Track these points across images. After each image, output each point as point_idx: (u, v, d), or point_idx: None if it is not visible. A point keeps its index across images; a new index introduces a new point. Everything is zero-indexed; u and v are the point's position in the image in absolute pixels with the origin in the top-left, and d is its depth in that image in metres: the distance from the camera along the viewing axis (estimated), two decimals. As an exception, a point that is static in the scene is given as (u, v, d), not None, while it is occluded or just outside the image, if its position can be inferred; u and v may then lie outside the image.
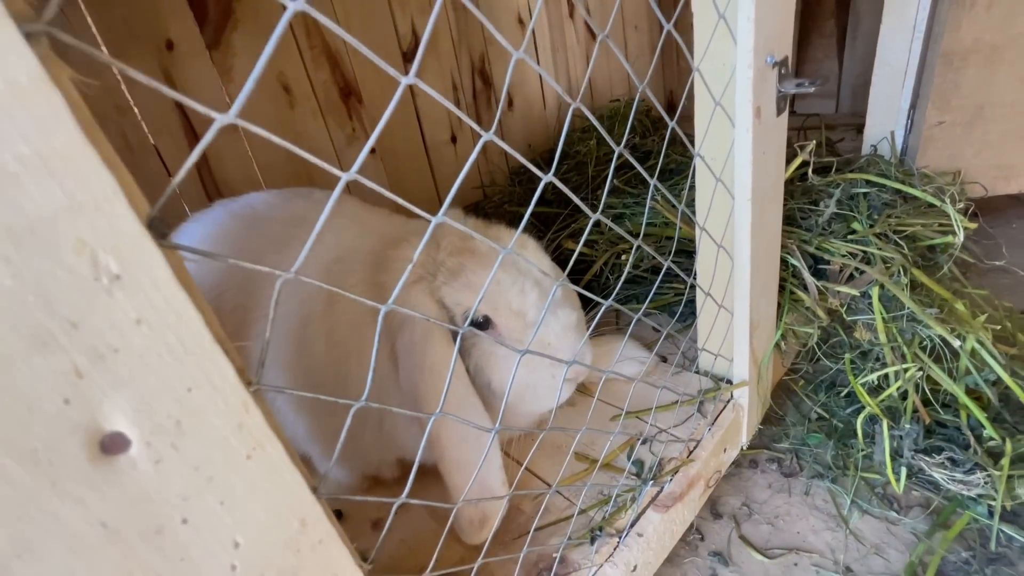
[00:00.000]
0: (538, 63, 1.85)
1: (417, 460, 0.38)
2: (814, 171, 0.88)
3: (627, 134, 0.49)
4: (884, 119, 1.05)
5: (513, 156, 0.39)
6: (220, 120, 0.21)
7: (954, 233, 0.85)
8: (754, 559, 0.77)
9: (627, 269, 0.49)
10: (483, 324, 0.56)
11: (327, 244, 0.62)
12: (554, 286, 0.42)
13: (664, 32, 0.41)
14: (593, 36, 2.02)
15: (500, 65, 1.72)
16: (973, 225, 0.86)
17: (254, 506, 0.25)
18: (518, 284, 0.55)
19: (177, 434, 0.22)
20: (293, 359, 0.56)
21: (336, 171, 0.26)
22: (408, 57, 1.50)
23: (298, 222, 0.67)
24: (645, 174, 0.45)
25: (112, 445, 0.20)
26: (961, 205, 0.87)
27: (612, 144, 0.39)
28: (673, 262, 0.57)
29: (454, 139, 1.64)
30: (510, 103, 1.79)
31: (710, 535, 0.83)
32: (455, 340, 0.57)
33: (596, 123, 0.38)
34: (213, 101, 1.21)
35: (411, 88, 1.52)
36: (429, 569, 0.41)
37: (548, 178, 0.35)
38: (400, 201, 0.29)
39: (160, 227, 0.21)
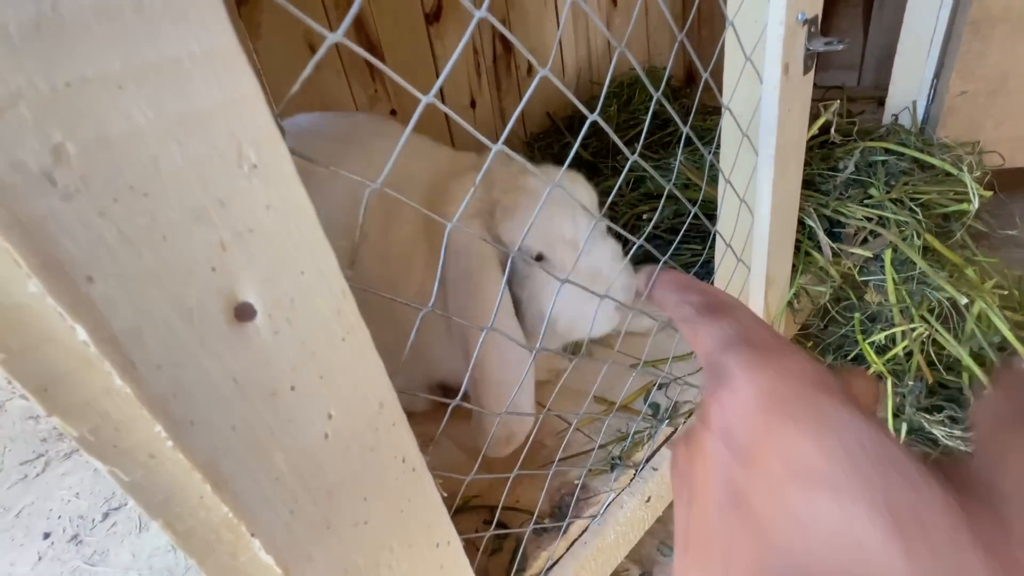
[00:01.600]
0: (559, 28, 1.84)
1: (467, 377, 0.42)
2: (835, 138, 0.90)
3: (651, 101, 0.51)
4: (907, 88, 1.06)
5: (531, 121, 0.42)
6: (332, 38, 0.24)
7: (969, 201, 0.87)
8: (757, 503, 0.82)
9: (654, 221, 0.52)
10: (538, 259, 0.60)
11: (379, 167, 0.65)
12: (596, 220, 0.46)
13: (677, 41, 0.44)
14: (615, 3, 1.99)
15: (521, 29, 1.71)
16: (988, 194, 0.88)
17: (345, 383, 0.29)
18: (569, 217, 0.58)
19: (291, 310, 0.26)
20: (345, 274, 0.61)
21: (417, 92, 0.29)
22: (431, 19, 1.50)
23: (348, 139, 0.70)
24: (681, 123, 0.47)
25: (243, 313, 0.24)
26: (978, 174, 0.89)
27: (652, 91, 0.42)
28: (692, 225, 0.60)
29: (473, 104, 1.65)
30: (528, 69, 1.79)
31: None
32: (505, 265, 0.61)
33: (640, 70, 0.41)
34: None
35: (432, 48, 1.53)
36: (471, 475, 0.46)
37: (593, 117, 0.38)
38: (467, 127, 0.32)
39: (282, 129, 0.24)
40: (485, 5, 0.31)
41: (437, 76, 1.56)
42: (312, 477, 0.29)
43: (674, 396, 0.70)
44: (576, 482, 0.60)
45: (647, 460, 0.65)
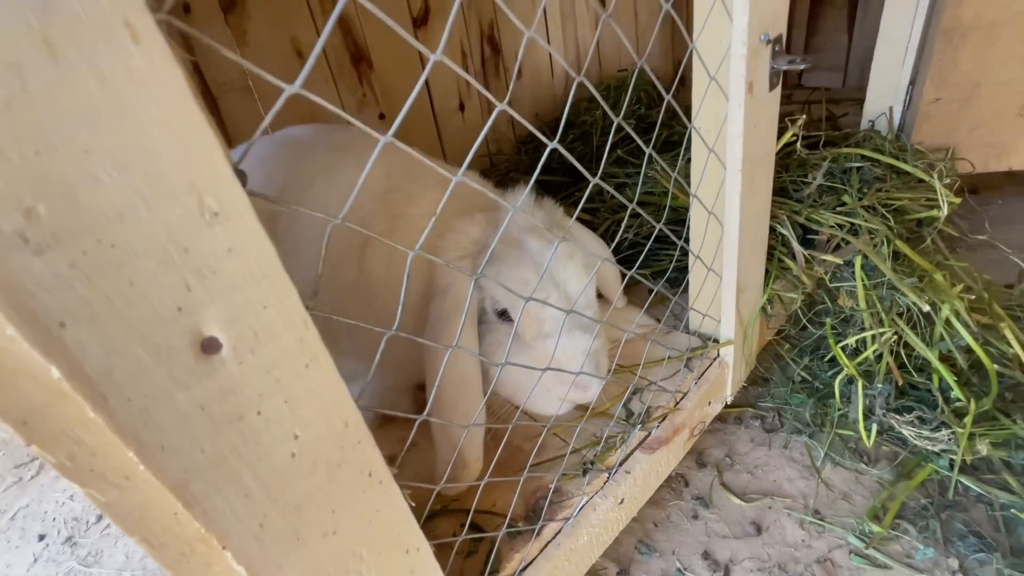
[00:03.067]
0: (547, 31, 1.85)
1: (429, 402, 0.44)
2: (810, 145, 0.92)
3: (626, 107, 0.53)
4: (884, 95, 1.08)
5: (522, 125, 0.44)
6: (289, 90, 0.26)
7: (939, 207, 0.89)
8: (732, 503, 0.85)
9: (623, 232, 0.54)
10: (502, 314, 0.61)
11: (375, 176, 0.66)
12: (566, 313, 0.47)
13: (663, 12, 0.45)
14: (603, 3, 2.00)
15: (509, 32, 1.72)
16: (957, 200, 0.90)
17: (310, 407, 0.31)
18: (543, 293, 0.57)
19: (256, 342, 0.28)
20: (353, 277, 0.63)
21: (375, 134, 0.31)
22: (418, 23, 1.51)
23: (344, 148, 0.72)
24: (642, 144, 0.49)
25: (209, 346, 0.26)
26: (948, 181, 0.91)
27: (612, 116, 0.44)
28: (669, 229, 0.62)
29: (462, 107, 1.66)
30: (519, 73, 1.80)
31: (694, 482, 0.90)
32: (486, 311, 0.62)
33: (599, 97, 0.43)
34: (227, 63, 1.24)
35: (420, 56, 1.54)
36: (439, 487, 0.48)
37: (553, 145, 0.40)
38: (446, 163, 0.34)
39: (242, 175, 0.26)
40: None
41: (425, 81, 1.57)
42: (280, 493, 0.31)
43: (647, 401, 0.72)
44: (550, 486, 0.63)
45: (620, 463, 0.67)
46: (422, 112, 1.58)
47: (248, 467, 0.29)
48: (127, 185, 0.22)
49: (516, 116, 0.39)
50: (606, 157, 0.49)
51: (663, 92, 0.48)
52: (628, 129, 0.45)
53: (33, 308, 0.21)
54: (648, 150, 0.49)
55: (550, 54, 1.85)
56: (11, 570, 1.02)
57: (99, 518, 1.14)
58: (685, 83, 0.65)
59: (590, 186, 0.43)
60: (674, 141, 1.20)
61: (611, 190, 0.46)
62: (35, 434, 0.24)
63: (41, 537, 1.08)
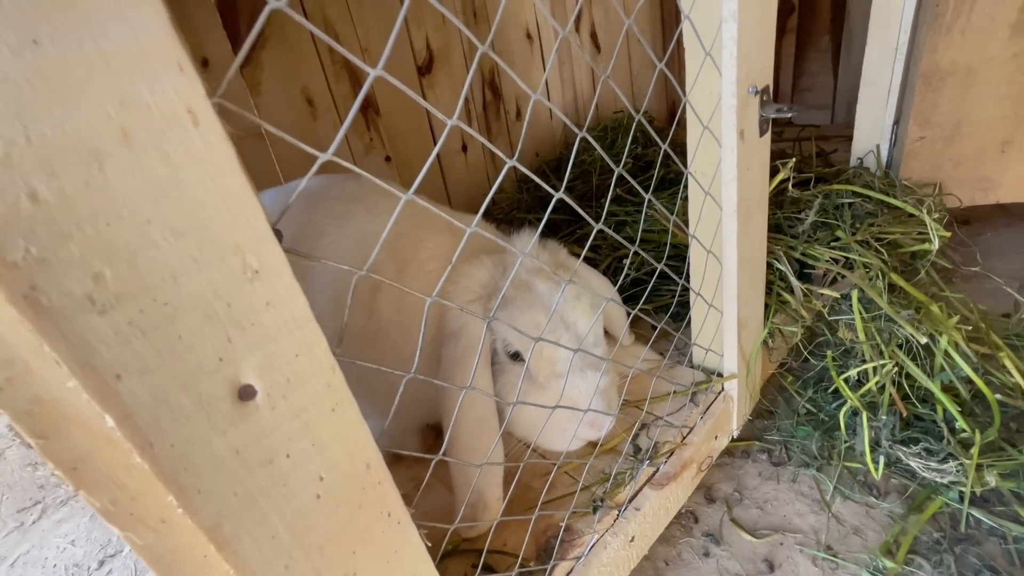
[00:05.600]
0: (545, 74, 1.94)
1: (444, 443, 0.45)
2: (802, 181, 0.96)
3: (628, 145, 0.56)
4: (870, 134, 1.12)
5: (521, 163, 0.47)
6: (323, 158, 0.29)
7: (931, 241, 0.92)
8: (743, 539, 0.84)
9: (627, 271, 0.56)
10: (515, 356, 0.63)
11: (383, 223, 0.69)
12: (574, 352, 0.50)
13: (656, 71, 0.49)
14: (599, 48, 2.10)
15: (509, 77, 1.80)
16: (947, 234, 0.93)
17: (335, 449, 0.33)
18: (554, 335, 0.60)
19: (287, 388, 0.30)
20: (363, 321, 0.65)
21: (396, 191, 0.34)
22: (423, 71, 1.59)
23: (354, 199, 0.75)
24: (640, 189, 0.52)
25: (245, 393, 0.28)
26: (937, 215, 0.94)
27: (612, 165, 0.47)
28: (668, 266, 0.65)
29: (465, 148, 1.72)
30: (517, 114, 1.87)
31: (704, 518, 0.90)
32: (497, 352, 0.64)
33: (601, 151, 0.46)
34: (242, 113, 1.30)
35: (424, 98, 1.61)
36: (454, 523, 0.49)
37: (559, 195, 0.43)
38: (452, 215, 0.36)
39: (279, 234, 0.29)
40: (476, 57, 0.36)
41: (429, 124, 1.64)
42: (305, 535, 0.33)
43: (655, 436, 0.73)
44: (560, 524, 0.63)
45: (630, 500, 0.67)
46: (426, 154, 1.64)
47: (276, 509, 0.31)
48: (181, 249, 0.25)
49: (525, 171, 0.42)
50: (608, 200, 0.52)
51: (659, 142, 0.51)
52: (629, 179, 0.48)
53: (94, 362, 0.23)
54: (648, 196, 0.52)
55: (548, 95, 1.93)
56: (11, 620, 1.00)
57: (100, 564, 1.12)
58: (680, 124, 0.69)
59: (593, 232, 0.46)
60: (671, 179, 1.24)
61: (614, 234, 0.48)
62: (82, 479, 0.26)
63: (42, 584, 1.07)
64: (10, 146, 0.20)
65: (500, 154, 0.39)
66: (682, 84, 0.60)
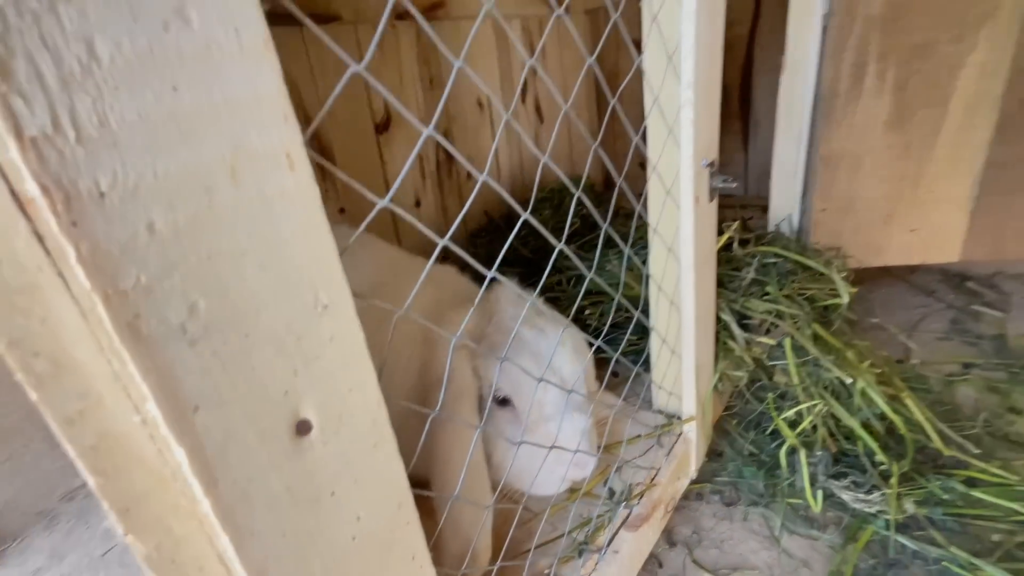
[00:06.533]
0: (494, 140, 2.06)
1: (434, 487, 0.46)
2: (728, 247, 1.08)
3: (572, 209, 0.63)
4: (783, 205, 1.30)
5: (472, 220, 0.51)
6: (381, 203, 0.31)
7: (839, 296, 1.06)
8: (706, 579, 0.87)
9: (587, 320, 0.61)
10: (504, 402, 0.65)
11: (368, 270, 0.69)
12: (568, 394, 0.53)
13: (591, 150, 0.56)
14: (542, 119, 2.28)
15: (461, 140, 1.90)
16: (854, 290, 1.09)
17: (374, 486, 0.33)
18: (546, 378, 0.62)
19: (339, 423, 0.30)
20: None
21: (373, 197, 0.37)
22: (380, 129, 1.64)
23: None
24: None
25: (302, 428, 0.28)
26: (844, 274, 1.10)
27: (554, 243, 0.52)
28: (621, 316, 0.71)
29: (418, 203, 1.77)
30: (468, 175, 1.96)
31: (667, 562, 0.92)
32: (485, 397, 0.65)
33: (542, 229, 0.52)
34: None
35: (381, 155, 1.65)
36: (460, 573, 0.48)
37: (525, 216, 0.47)
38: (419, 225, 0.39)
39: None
40: (433, 123, 0.40)
41: (386, 179, 1.67)
42: (339, 580, 0.32)
43: (627, 478, 0.76)
44: (547, 572, 0.63)
45: (608, 542, 0.69)
46: (381, 208, 1.65)
47: (318, 552, 0.30)
48: (266, 282, 0.26)
49: (496, 186, 0.46)
50: (551, 263, 0.57)
51: (600, 222, 0.57)
52: (571, 255, 0.53)
53: (177, 393, 0.23)
54: (627, 250, 0.58)
55: (497, 157, 2.05)
56: None
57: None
58: (612, 185, 0.76)
59: (540, 285, 0.50)
60: (621, 234, 1.35)
61: (601, 281, 0.53)
62: (133, 523, 0.25)
63: None
64: (140, 179, 0.21)
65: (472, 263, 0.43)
66: (616, 156, 0.69)
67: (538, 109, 2.26)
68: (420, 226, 0.36)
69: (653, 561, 0.91)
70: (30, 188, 0.18)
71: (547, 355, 0.64)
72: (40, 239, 0.20)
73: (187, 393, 0.23)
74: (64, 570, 1.10)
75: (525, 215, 0.44)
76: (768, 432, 1.09)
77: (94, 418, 0.23)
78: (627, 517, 0.73)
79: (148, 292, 0.22)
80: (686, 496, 1.02)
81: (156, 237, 0.22)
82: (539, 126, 2.28)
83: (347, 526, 0.32)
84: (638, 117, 0.69)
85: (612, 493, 0.74)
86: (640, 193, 0.72)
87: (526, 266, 1.41)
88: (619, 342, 1.05)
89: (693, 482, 0.98)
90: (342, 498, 0.31)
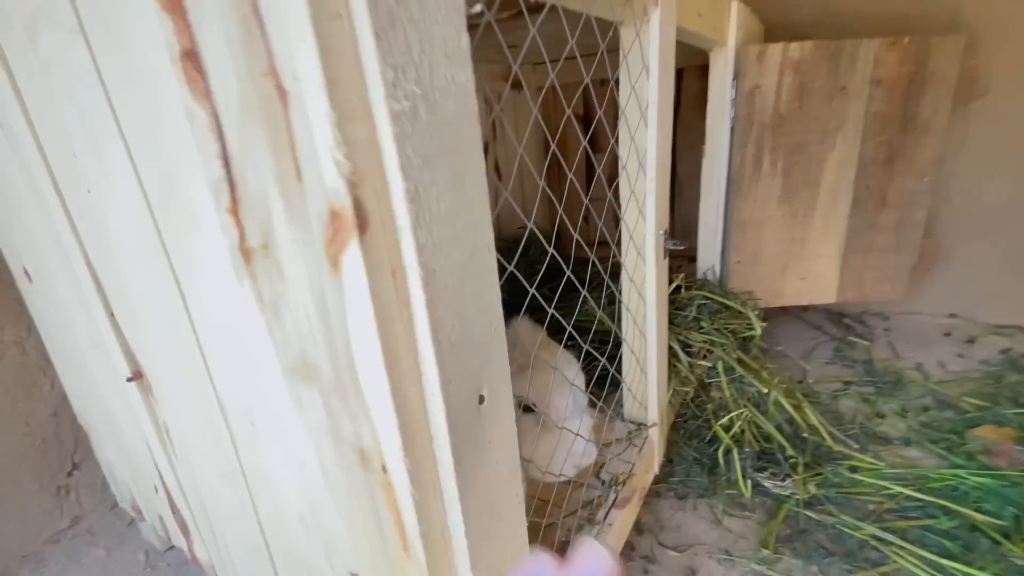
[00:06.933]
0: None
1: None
2: (684, 295, 1.38)
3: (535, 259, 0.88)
4: (707, 257, 1.63)
5: None
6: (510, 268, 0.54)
7: (754, 329, 1.39)
8: (670, 555, 1.09)
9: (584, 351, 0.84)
10: (527, 409, 0.85)
11: None
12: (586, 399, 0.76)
13: (556, 213, 0.82)
14: (500, 176, 2.57)
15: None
16: (764, 324, 1.41)
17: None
18: (560, 390, 0.85)
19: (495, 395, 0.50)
20: None
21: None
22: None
23: None
24: (612, 285, 0.83)
25: (481, 400, 0.48)
26: (756, 312, 1.43)
27: (527, 286, 0.77)
28: (593, 347, 0.94)
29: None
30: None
31: (638, 546, 1.13)
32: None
33: (519, 277, 0.76)
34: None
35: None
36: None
37: (511, 269, 0.71)
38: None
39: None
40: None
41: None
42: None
43: (612, 471, 0.98)
44: (563, 539, 0.82)
45: (605, 517, 0.90)
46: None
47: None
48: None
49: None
50: (528, 300, 0.81)
51: (564, 267, 0.82)
52: (544, 304, 0.78)
53: (444, 371, 0.43)
54: (618, 296, 0.83)
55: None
56: None
57: None
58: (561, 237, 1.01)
59: (566, 336, 0.74)
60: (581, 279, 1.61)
61: (601, 319, 0.77)
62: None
63: None
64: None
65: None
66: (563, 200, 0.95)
67: (497, 168, 2.55)
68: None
69: (627, 546, 1.12)
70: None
71: (560, 372, 0.86)
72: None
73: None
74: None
75: (511, 268, 0.67)
76: (707, 440, 1.36)
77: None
78: (615, 499, 0.94)
79: (441, 316, 0.42)
80: (649, 494, 1.24)
81: (446, 288, 0.42)
82: (498, 184, 2.57)
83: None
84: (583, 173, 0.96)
85: (603, 482, 0.96)
86: (591, 241, 0.98)
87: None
88: (594, 368, 1.29)
89: (655, 481, 1.22)
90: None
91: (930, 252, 1.75)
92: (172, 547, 1.26)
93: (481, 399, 0.48)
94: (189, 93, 0.41)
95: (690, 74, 2.07)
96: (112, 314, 0.75)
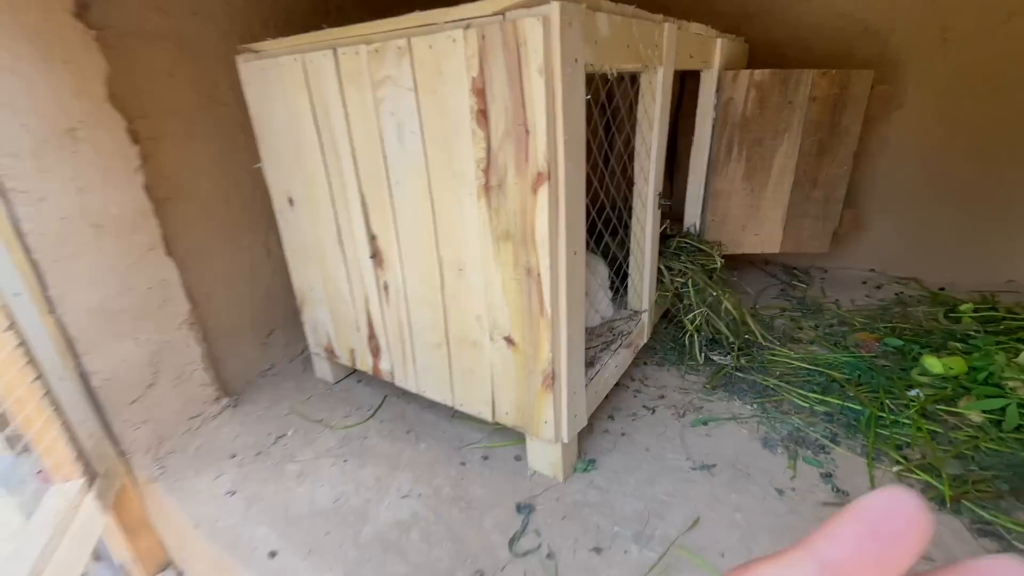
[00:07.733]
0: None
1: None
2: (668, 236, 2.09)
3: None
4: (691, 215, 2.33)
5: None
6: (588, 201, 1.24)
7: (716, 263, 2.10)
8: (651, 389, 1.83)
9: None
10: None
11: None
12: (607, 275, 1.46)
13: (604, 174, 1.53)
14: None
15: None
16: (722, 260, 2.12)
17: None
18: (603, 272, 1.56)
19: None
20: None
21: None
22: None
23: None
24: (611, 243, 1.54)
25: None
26: (718, 252, 2.14)
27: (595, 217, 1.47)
28: (616, 258, 1.65)
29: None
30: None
31: (631, 386, 1.87)
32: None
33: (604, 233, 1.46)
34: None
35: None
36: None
37: (616, 219, 1.41)
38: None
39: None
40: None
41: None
42: (573, 297, 1.23)
43: (622, 329, 1.71)
44: (593, 360, 1.55)
45: (616, 348, 1.63)
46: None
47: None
48: (577, 216, 1.17)
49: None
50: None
51: (607, 207, 1.53)
52: (608, 238, 1.49)
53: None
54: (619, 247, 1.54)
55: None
56: None
57: (268, 445, 1.68)
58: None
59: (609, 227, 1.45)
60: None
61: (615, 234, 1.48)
62: (551, 265, 1.15)
63: None
64: (570, 193, 1.12)
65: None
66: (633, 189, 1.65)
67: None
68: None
69: (626, 377, 1.86)
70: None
71: (594, 266, 1.57)
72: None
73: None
74: None
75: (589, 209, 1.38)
76: (680, 330, 2.09)
77: (552, 240, 1.13)
78: (623, 341, 1.67)
79: (568, 214, 1.12)
80: (636, 364, 1.98)
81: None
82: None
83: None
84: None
85: (615, 336, 1.69)
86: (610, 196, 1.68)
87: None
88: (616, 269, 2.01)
89: (643, 351, 1.95)
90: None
91: (851, 220, 2.42)
92: (341, 380, 2.01)
93: (575, 253, 1.19)
94: (476, 127, 1.10)
95: (691, 78, 2.70)
96: (368, 222, 1.46)
